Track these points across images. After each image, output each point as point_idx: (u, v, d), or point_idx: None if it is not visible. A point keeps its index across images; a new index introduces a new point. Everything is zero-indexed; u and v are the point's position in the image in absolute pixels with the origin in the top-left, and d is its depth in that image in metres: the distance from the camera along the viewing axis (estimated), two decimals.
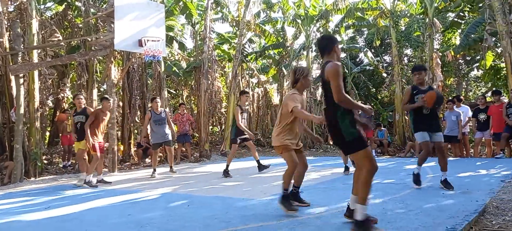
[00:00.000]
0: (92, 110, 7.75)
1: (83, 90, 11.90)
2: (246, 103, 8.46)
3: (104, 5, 12.31)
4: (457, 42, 16.63)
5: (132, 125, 13.74)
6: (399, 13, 16.41)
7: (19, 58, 9.53)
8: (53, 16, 12.79)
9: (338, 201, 4.63)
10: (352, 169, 6.85)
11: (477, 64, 18.76)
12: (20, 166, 8.77)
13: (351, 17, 16.51)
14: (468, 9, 14.04)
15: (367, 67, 18.86)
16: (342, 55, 19.26)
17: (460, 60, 18.79)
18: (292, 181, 4.31)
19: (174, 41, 17.51)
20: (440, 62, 13.01)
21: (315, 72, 19.79)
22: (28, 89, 9.48)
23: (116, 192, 6.40)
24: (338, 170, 8.04)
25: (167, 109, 14.81)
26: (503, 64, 13.62)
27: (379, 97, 19.74)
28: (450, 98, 11.53)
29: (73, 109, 7.97)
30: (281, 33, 18.74)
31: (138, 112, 14.40)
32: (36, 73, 9.67)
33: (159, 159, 13.67)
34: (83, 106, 7.55)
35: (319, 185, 6.14)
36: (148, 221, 4.08)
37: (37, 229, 4.08)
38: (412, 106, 5.40)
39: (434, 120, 5.39)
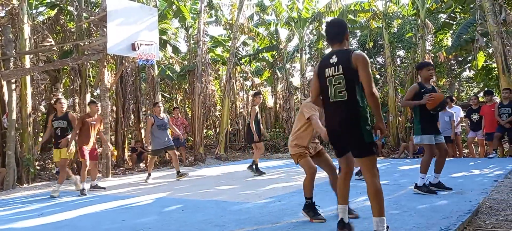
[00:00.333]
0: (75, 115, 7.40)
1: (76, 95, 11.85)
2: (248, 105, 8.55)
3: (97, 10, 12.27)
4: (449, 43, 16.78)
5: (126, 129, 13.67)
6: (391, 14, 16.51)
7: (11, 63, 9.46)
8: (45, 21, 12.71)
9: (333, 203, 4.63)
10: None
11: (469, 64, 18.93)
12: (12, 172, 8.69)
13: (344, 19, 16.59)
14: (459, 10, 14.17)
15: None
16: None
17: (452, 61, 18.96)
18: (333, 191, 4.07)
19: (168, 44, 17.49)
20: (432, 63, 13.09)
21: (309, 74, 19.85)
22: (20, 95, 9.41)
23: (110, 197, 6.36)
24: None
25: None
26: (494, 65, 13.75)
27: None
28: None
29: (52, 114, 7.49)
30: (275, 35, 18.79)
31: (132, 117, 14.35)
32: (28, 78, 9.61)
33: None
34: (64, 110, 7.12)
35: (315, 187, 6.12)
36: (143, 226, 4.06)
37: None
38: (417, 103, 5.11)
39: (436, 122, 5.40)
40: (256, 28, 17.75)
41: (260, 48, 19.24)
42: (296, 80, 20.00)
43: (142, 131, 15.77)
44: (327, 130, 3.33)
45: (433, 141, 5.09)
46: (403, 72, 17.57)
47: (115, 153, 12.64)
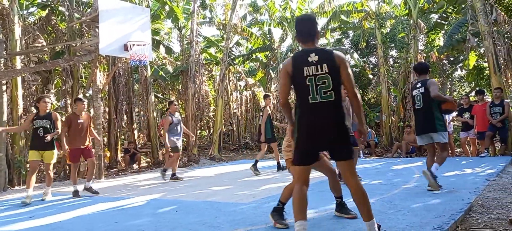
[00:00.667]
0: (58, 115, 6.91)
1: (68, 96, 11.74)
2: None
3: (88, 10, 12.17)
4: (441, 43, 16.91)
5: (118, 130, 13.59)
6: (384, 15, 16.60)
7: (2, 64, 9.33)
8: (36, 21, 12.60)
9: (327, 203, 4.64)
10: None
11: (461, 64, 19.10)
12: (3, 174, 8.58)
13: (337, 20, 16.67)
14: (451, 10, 14.29)
15: (354, 69, 19.03)
16: None
17: (444, 61, 19.12)
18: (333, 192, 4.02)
19: (161, 45, 17.41)
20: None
21: None
22: (11, 96, 9.31)
23: (103, 199, 6.31)
24: None
25: (155, 114, 14.74)
26: (486, 64, 13.88)
27: (366, 99, 19.92)
28: None
29: (32, 113, 6.81)
30: (268, 36, 18.80)
31: (125, 118, 14.26)
32: (19, 79, 9.50)
33: (146, 164, 13.61)
34: (48, 110, 6.59)
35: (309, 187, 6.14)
36: (136, 228, 4.03)
37: None
38: (449, 98, 5.41)
39: None
40: (249, 29, 17.75)
41: (253, 48, 19.24)
42: None
43: (135, 132, 15.71)
44: (308, 131, 2.97)
45: None
46: (396, 72, 17.68)
47: (108, 154, 12.56)
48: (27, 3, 12.89)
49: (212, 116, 17.85)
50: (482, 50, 13.64)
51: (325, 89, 2.91)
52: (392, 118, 14.68)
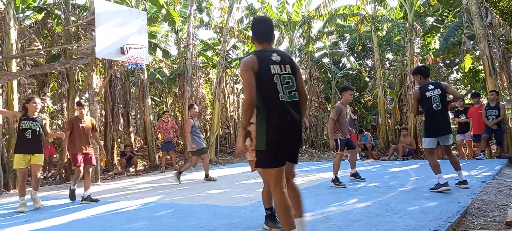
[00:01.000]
0: (47, 119, 6.55)
1: (64, 99, 11.70)
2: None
3: (85, 13, 12.16)
4: (437, 46, 17.00)
5: (115, 134, 13.54)
6: (380, 18, 16.68)
7: None
8: (32, 25, 12.56)
9: (323, 206, 4.64)
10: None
11: (457, 67, 19.20)
12: None
13: (333, 23, 16.74)
14: (446, 13, 14.37)
15: (350, 72, 19.09)
16: (326, 60, 19.49)
17: (440, 64, 19.20)
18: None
19: (157, 48, 17.41)
20: (420, 65, 13.26)
21: None
22: (7, 99, 9.27)
23: (99, 202, 6.27)
24: (323, 174, 8.08)
25: (151, 117, 14.71)
26: (481, 67, 13.95)
27: (363, 101, 19.99)
28: None
29: (21, 113, 6.23)
30: None
31: (121, 121, 14.22)
32: (15, 83, 9.46)
33: (143, 167, 13.57)
34: (37, 112, 6.17)
35: (304, 190, 6.14)
36: None
37: None
38: None
39: None
40: (246, 31, 17.77)
41: (250, 51, 19.25)
42: None
43: (132, 135, 15.66)
44: (280, 130, 2.86)
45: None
46: (392, 75, 17.75)
47: (104, 158, 12.51)
48: (23, 6, 12.85)
49: (209, 119, 17.83)
50: (477, 53, 13.72)
51: (290, 89, 2.91)
52: (389, 120, 14.73)
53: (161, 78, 17.21)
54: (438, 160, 5.57)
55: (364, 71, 19.16)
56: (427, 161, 5.49)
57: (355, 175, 6.82)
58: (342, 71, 18.90)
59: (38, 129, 6.02)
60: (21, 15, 12.89)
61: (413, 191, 5.42)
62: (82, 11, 12.85)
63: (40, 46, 11.38)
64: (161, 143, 12.44)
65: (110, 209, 5.57)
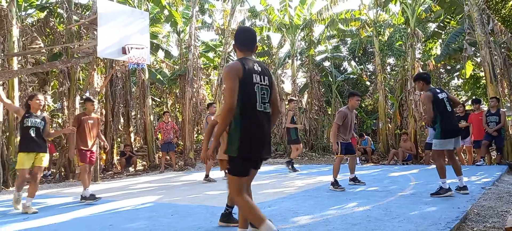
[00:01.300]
0: (49, 117, 6.43)
1: (65, 98, 11.71)
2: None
3: (87, 12, 12.18)
4: (438, 51, 17.02)
5: (115, 133, 13.54)
6: (382, 23, 16.70)
7: None
8: (34, 23, 12.58)
9: (322, 209, 4.64)
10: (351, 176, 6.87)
11: (458, 73, 19.22)
12: None
13: (334, 27, 16.76)
14: (448, 19, 14.39)
15: (351, 76, 19.11)
16: (327, 63, 19.51)
17: (441, 70, 19.22)
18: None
19: (159, 49, 17.43)
20: (421, 71, 13.27)
21: (300, 81, 19.94)
22: (8, 97, 9.25)
23: (98, 201, 6.26)
24: (322, 178, 8.07)
25: (152, 117, 14.71)
26: (482, 74, 13.96)
27: (363, 106, 19.99)
28: None
29: (24, 110, 5.94)
30: (266, 41, 18.84)
31: (122, 120, 14.22)
32: (16, 80, 9.47)
33: (142, 167, 13.56)
34: (40, 109, 5.94)
35: (304, 193, 6.14)
36: None
37: None
38: None
39: None
40: None
41: None
42: (287, 86, 20.09)
43: (132, 134, 15.66)
44: (254, 139, 2.92)
45: None
46: (393, 80, 17.76)
47: (104, 157, 12.51)
48: (26, 5, 12.87)
49: None
50: (478, 60, 13.73)
51: (264, 100, 3.00)
52: (389, 125, 14.72)
53: (162, 78, 17.23)
54: (433, 166, 5.59)
55: (365, 75, 19.17)
56: (435, 165, 5.49)
57: (355, 180, 6.82)
58: (343, 75, 18.92)
59: (42, 127, 5.77)
60: (23, 13, 12.90)
61: (412, 196, 5.41)
62: (85, 10, 12.86)
63: (42, 45, 11.38)
64: (161, 143, 12.44)
65: (109, 208, 5.57)
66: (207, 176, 8.41)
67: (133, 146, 15.06)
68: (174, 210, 5.10)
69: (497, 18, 11.68)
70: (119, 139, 15.03)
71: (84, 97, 7.00)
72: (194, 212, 4.86)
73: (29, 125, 5.66)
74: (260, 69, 3.03)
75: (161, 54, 18.13)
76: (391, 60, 19.71)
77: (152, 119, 14.69)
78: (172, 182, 8.96)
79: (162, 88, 20.26)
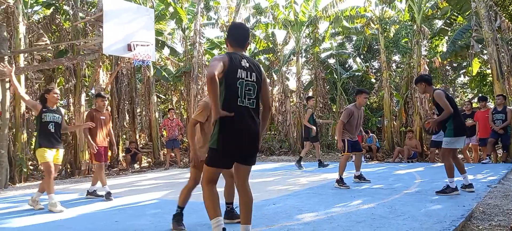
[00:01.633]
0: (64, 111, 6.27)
1: (70, 95, 11.78)
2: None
3: (93, 9, 12.23)
4: (444, 49, 16.89)
5: (120, 130, 13.61)
6: (387, 20, 16.59)
7: (5, 62, 9.38)
8: (40, 20, 12.65)
9: (327, 207, 4.64)
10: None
11: (464, 70, 19.07)
12: (5, 171, 8.61)
13: (338, 24, 16.68)
14: (455, 16, 14.27)
15: (356, 73, 19.04)
16: (332, 61, 19.44)
17: (447, 67, 19.09)
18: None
19: (165, 46, 17.46)
20: (427, 69, 13.18)
21: (305, 78, 19.89)
22: (14, 93, 9.34)
23: (104, 198, 6.30)
24: (327, 175, 8.06)
25: (157, 114, 14.76)
26: (489, 71, 13.85)
27: (368, 103, 19.92)
28: None
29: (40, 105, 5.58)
30: (271, 38, 18.81)
31: (127, 117, 14.28)
32: (22, 77, 9.54)
33: (147, 164, 13.62)
34: (57, 103, 5.75)
35: (308, 190, 6.14)
36: (137, 228, 4.03)
37: None
38: None
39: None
40: (252, 31, 17.76)
41: (256, 50, 19.25)
42: (292, 84, 20.05)
43: (137, 131, 15.73)
44: (234, 134, 2.95)
45: None
46: (398, 77, 17.67)
47: (109, 153, 12.58)
48: (32, 2, 12.93)
49: None
50: (485, 57, 13.63)
51: (249, 96, 3.03)
52: (394, 122, 14.65)
53: (167, 75, 17.27)
54: (438, 164, 5.57)
55: (370, 72, 19.09)
56: (443, 163, 5.44)
57: (360, 177, 6.82)
58: (348, 73, 18.85)
59: (60, 122, 5.57)
60: (29, 10, 12.95)
61: (417, 193, 5.40)
62: (90, 7, 12.92)
63: (48, 42, 11.45)
64: (166, 140, 12.49)
65: (115, 205, 5.60)
66: None
67: (138, 143, 15.13)
68: None
69: (504, 15, 11.59)
70: (124, 136, 15.10)
71: (94, 94, 6.85)
72: (199, 209, 4.86)
73: (48, 120, 5.46)
74: (247, 66, 3.04)
75: (166, 51, 18.16)
76: (396, 58, 19.60)
77: (157, 116, 14.74)
78: (177, 179, 8.99)
79: (167, 86, 20.31)
